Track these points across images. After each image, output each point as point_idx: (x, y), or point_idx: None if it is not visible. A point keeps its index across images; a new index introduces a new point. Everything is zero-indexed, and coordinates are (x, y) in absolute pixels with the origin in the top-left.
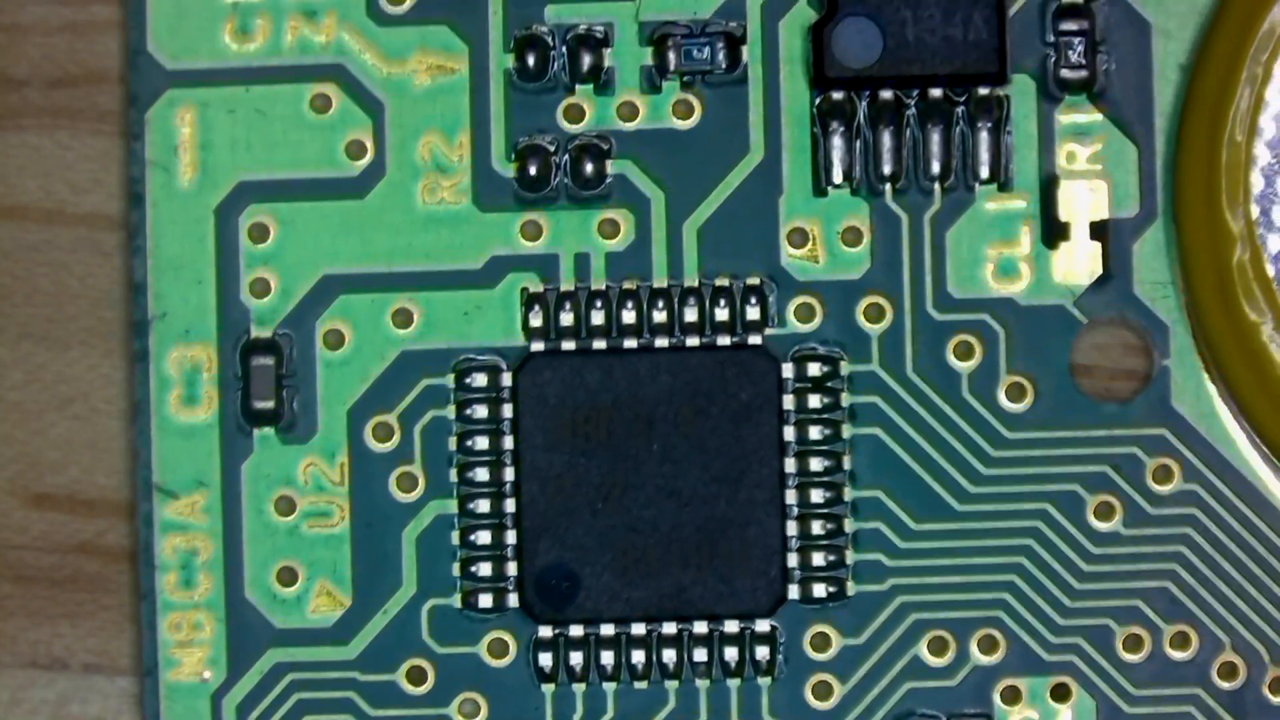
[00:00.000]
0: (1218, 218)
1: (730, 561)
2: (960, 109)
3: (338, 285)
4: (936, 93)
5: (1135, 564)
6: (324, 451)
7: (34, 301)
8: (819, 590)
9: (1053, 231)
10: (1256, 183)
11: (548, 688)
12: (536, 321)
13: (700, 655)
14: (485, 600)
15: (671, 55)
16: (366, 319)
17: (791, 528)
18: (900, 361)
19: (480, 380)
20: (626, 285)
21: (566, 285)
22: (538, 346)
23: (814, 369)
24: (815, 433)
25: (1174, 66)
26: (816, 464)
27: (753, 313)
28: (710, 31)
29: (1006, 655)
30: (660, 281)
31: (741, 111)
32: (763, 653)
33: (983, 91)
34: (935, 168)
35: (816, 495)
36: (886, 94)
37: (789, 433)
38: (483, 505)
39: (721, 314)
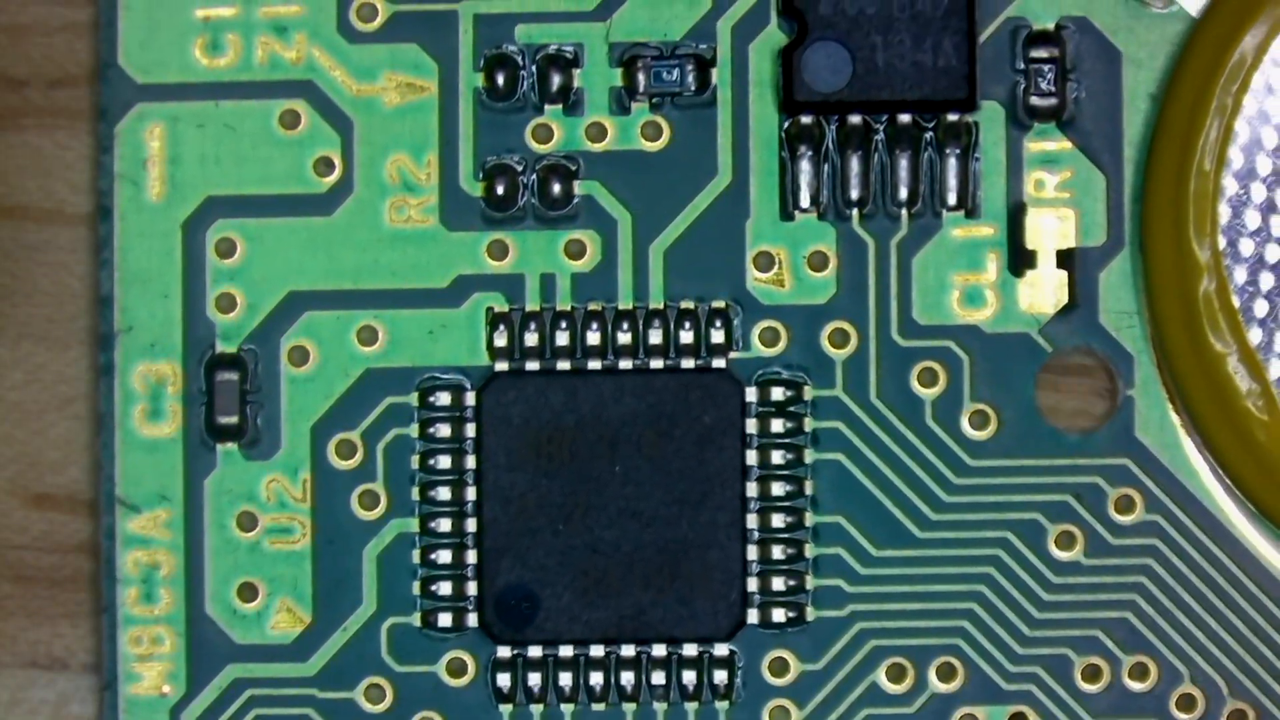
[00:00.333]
0: (1185, 248)
1: (690, 585)
2: (929, 135)
3: (303, 302)
4: (905, 118)
5: (1096, 594)
6: (287, 468)
7: (34, 301)
8: (778, 615)
9: (1019, 259)
10: (1224, 214)
11: (506, 708)
12: (501, 341)
13: (658, 678)
14: (445, 619)
15: (641, 77)
16: (331, 336)
17: (752, 552)
18: (864, 388)
19: (444, 399)
20: (592, 307)
21: (532, 306)
22: (502, 366)
23: (778, 393)
24: (778, 457)
25: (1144, 96)
26: (778, 489)
27: (717, 336)
28: (680, 54)
29: (965, 683)
30: (626, 303)
31: (710, 134)
32: (721, 677)
33: (952, 118)
34: (903, 194)
35: (778, 520)
36: (855, 119)
37: (751, 457)
38: (444, 524)
39: (686, 337)
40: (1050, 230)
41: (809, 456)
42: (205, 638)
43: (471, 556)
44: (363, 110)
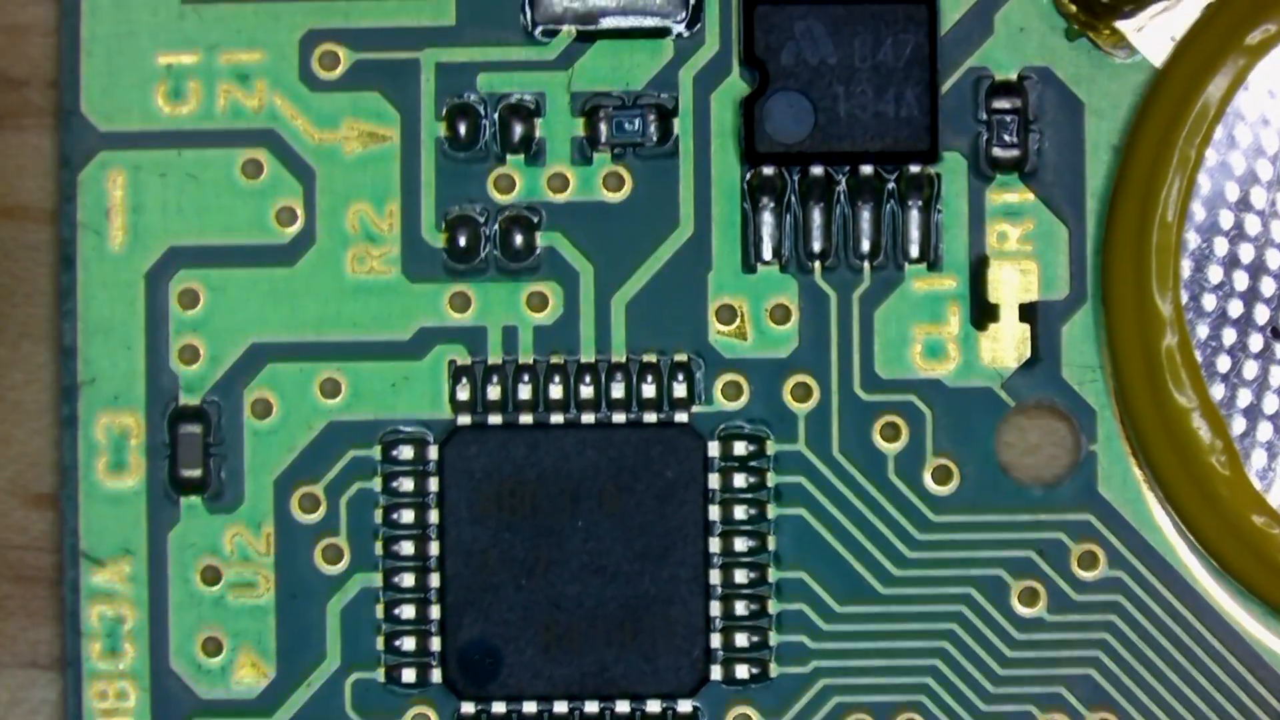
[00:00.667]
0: (1147, 302)
1: (653, 640)
2: (891, 186)
3: (266, 354)
4: (867, 169)
5: (1059, 650)
6: (250, 521)
7: (34, 301)
8: (742, 671)
9: (981, 312)
10: (1186, 268)
11: None
12: (463, 395)
13: None
14: (408, 675)
15: (603, 127)
16: (294, 388)
17: (715, 608)
18: (826, 442)
19: (406, 453)
20: (554, 359)
21: (494, 358)
22: (464, 420)
23: (740, 448)
24: (740, 512)
25: (1106, 147)
26: (741, 544)
27: (680, 390)
28: (642, 103)
29: None
30: (588, 356)
31: (672, 185)
32: None
33: (914, 169)
34: (865, 246)
35: (740, 575)
36: (817, 170)
37: (714, 512)
38: (407, 579)
39: (648, 390)
40: (1012, 283)
41: (771, 511)
42: (169, 692)
43: (435, 611)
44: (324, 159)
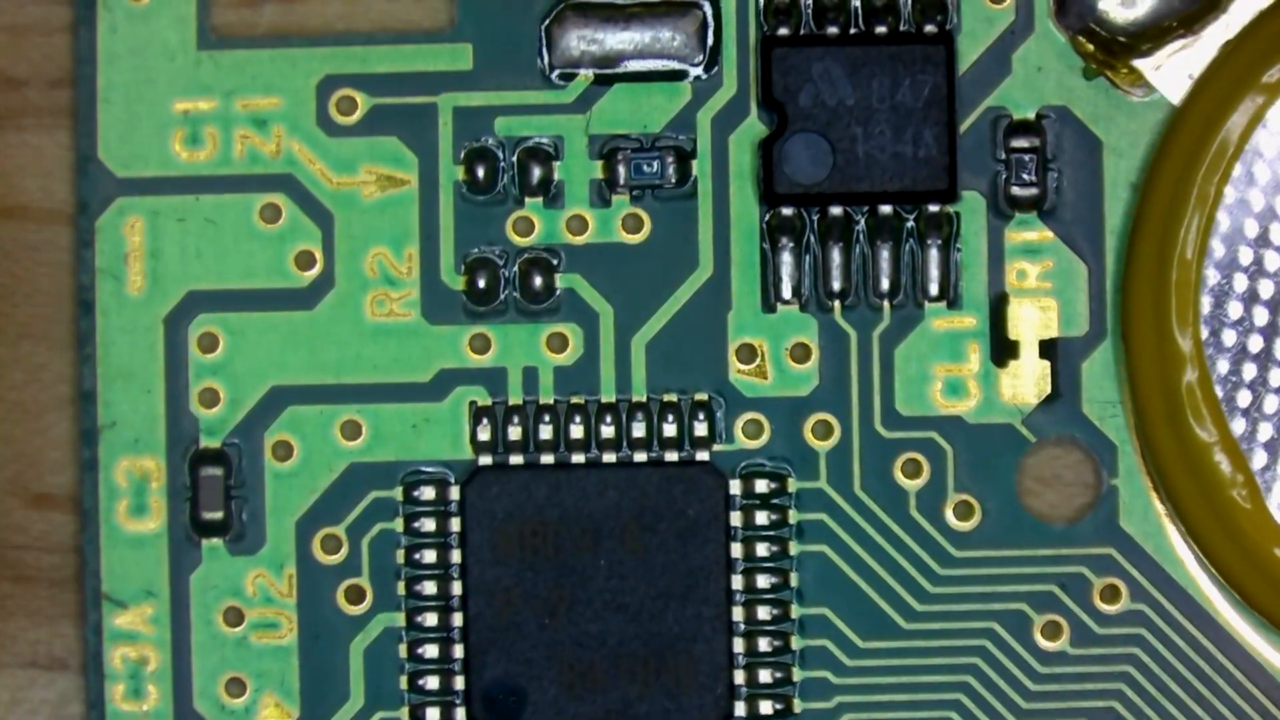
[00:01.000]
0: (1167, 338)
1: (677, 678)
2: (910, 225)
3: (286, 397)
4: (886, 209)
5: (1082, 684)
6: (272, 563)
7: (34, 301)
8: (765, 708)
9: (1002, 350)
10: (1206, 304)
11: None
12: (484, 435)
13: None
14: (432, 714)
15: (621, 169)
16: (315, 431)
17: (738, 645)
18: (847, 479)
19: (428, 494)
20: (574, 400)
21: (514, 399)
22: (485, 460)
23: (761, 486)
24: (762, 550)
25: (1124, 185)
26: (763, 581)
27: (700, 429)
28: (660, 146)
29: None
30: (608, 396)
31: (691, 226)
32: None
33: (933, 208)
34: (884, 285)
35: (763, 612)
36: (836, 210)
37: (736, 549)
38: (430, 619)
39: (669, 430)
40: (1032, 320)
41: (794, 549)
42: None
43: (458, 651)
44: (342, 204)
